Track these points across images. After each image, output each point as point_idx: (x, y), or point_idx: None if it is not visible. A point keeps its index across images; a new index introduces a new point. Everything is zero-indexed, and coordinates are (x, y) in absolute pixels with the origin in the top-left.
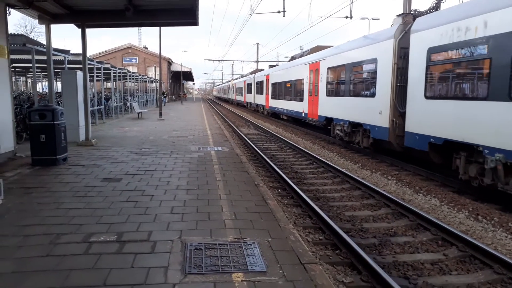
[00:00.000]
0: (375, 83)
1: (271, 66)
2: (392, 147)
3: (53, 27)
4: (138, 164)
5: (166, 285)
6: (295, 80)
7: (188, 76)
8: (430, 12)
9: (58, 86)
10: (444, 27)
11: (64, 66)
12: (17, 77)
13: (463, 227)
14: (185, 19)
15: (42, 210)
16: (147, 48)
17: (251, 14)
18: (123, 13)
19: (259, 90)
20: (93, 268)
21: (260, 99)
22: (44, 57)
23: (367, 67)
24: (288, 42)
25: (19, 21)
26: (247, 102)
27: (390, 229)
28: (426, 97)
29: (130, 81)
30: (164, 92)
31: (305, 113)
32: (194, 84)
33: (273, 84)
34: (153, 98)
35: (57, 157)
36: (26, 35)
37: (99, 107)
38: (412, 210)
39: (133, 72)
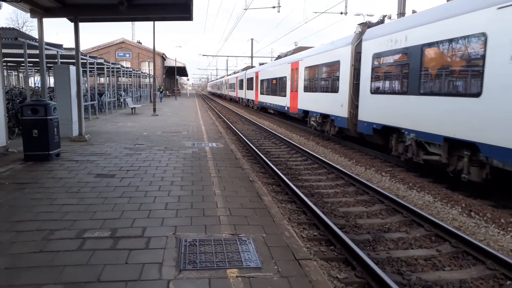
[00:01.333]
0: (338, 81)
1: (261, 64)
2: (350, 133)
3: (46, 21)
4: (132, 159)
5: (160, 281)
6: (280, 77)
7: (182, 71)
8: (378, 24)
9: (51, 81)
10: (383, 38)
11: (56, 60)
12: (9, 71)
13: (456, 223)
14: (179, 14)
15: (35, 206)
16: (140, 43)
17: (245, 9)
18: (116, 7)
19: (250, 86)
20: (86, 264)
21: (250, 95)
22: (37, 52)
23: (333, 68)
24: (283, 38)
25: (10, 15)
26: (239, 98)
27: (384, 225)
28: (371, 93)
29: (123, 76)
30: (160, 87)
31: (287, 107)
32: (188, 79)
33: (262, 80)
34: (147, 94)
35: (50, 152)
36: (18, 29)
37: (92, 102)
38: (406, 206)
39: (126, 67)
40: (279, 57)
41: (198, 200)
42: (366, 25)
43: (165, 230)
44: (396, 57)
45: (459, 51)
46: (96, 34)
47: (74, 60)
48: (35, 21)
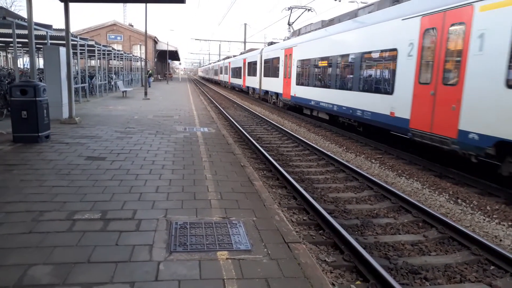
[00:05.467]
0: (257, 70)
1: (234, 56)
2: (260, 96)
3: (35, 0)
4: (123, 143)
5: (150, 262)
6: (239, 66)
7: (174, 55)
8: (269, 45)
9: (40, 63)
10: (266, 52)
11: (46, 41)
12: None
13: (443, 210)
14: None
15: (25, 187)
16: (132, 26)
17: None
18: None
19: (226, 72)
20: (77, 245)
21: (226, 78)
22: (25, 32)
23: (255, 64)
24: (277, 23)
25: None
26: (220, 80)
27: (372, 211)
28: (263, 76)
29: (114, 59)
30: (149, 71)
31: (241, 85)
32: (180, 63)
33: (232, 68)
34: (138, 77)
35: (39, 134)
36: (6, 8)
37: (83, 85)
38: (394, 193)
39: (118, 50)
40: (242, 53)
41: (189, 184)
42: (267, 43)
43: (156, 213)
44: (268, 62)
45: (276, 62)
46: (87, 14)
47: (64, 42)
48: (23, 0)
